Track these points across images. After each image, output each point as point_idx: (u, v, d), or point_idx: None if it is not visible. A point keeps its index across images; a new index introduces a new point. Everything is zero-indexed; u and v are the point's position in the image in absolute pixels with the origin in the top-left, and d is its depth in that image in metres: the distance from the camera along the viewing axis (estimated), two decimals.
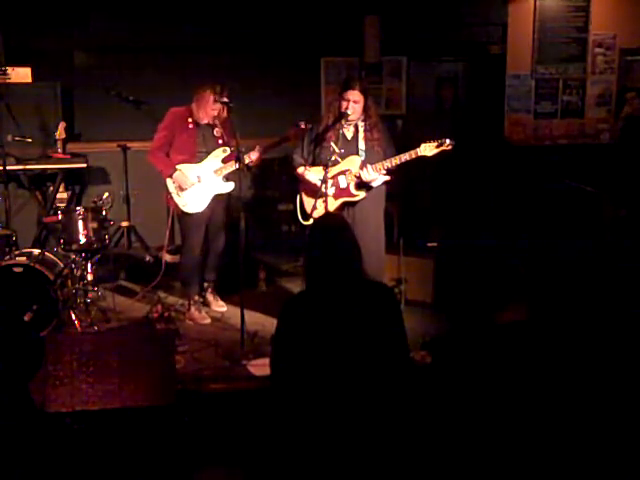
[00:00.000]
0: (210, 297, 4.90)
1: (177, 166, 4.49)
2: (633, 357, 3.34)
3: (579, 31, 6.86)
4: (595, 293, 4.52)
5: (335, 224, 2.62)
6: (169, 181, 4.50)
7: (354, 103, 4.14)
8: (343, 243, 2.49)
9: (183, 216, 4.60)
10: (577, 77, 6.96)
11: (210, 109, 4.46)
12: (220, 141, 4.57)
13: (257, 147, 4.52)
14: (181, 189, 4.48)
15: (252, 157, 4.48)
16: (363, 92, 4.18)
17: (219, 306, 4.87)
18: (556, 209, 5.64)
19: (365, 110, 4.23)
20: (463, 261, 5.04)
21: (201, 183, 4.51)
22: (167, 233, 5.06)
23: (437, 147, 4.09)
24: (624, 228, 5.24)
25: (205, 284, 4.90)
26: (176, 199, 4.52)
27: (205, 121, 4.51)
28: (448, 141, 4.08)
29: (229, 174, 4.57)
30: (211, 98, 4.42)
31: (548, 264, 5.03)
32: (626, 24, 6.84)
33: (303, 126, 4.41)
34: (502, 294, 4.80)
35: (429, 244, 5.19)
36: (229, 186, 4.61)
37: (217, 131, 4.57)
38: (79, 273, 4.54)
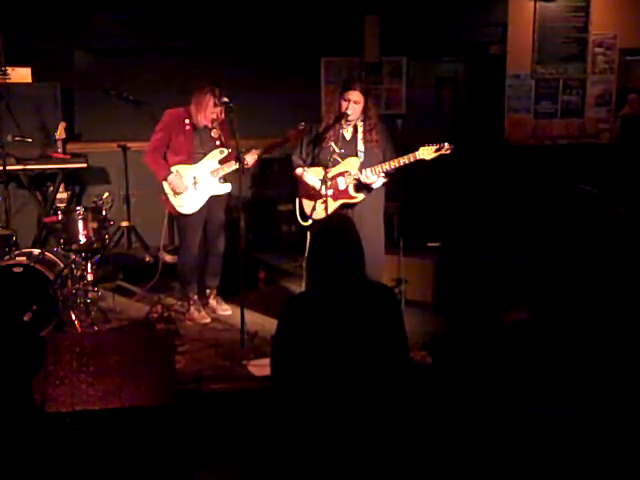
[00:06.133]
0: (213, 303, 4.87)
1: (174, 167, 4.48)
2: (634, 356, 3.34)
3: (579, 31, 6.87)
4: (595, 293, 4.52)
5: (339, 225, 2.62)
6: (164, 183, 4.50)
7: (354, 103, 4.14)
8: (346, 244, 2.49)
9: (180, 217, 4.60)
10: (577, 77, 6.96)
11: (210, 112, 4.43)
12: (217, 142, 4.56)
13: (253, 150, 4.49)
14: (175, 192, 4.48)
15: (248, 160, 4.41)
16: (363, 93, 4.17)
17: (223, 310, 4.85)
18: (556, 209, 5.65)
19: (365, 111, 4.22)
20: (463, 261, 5.04)
21: (197, 184, 4.51)
22: (164, 234, 5.06)
23: (436, 151, 4.09)
24: (624, 228, 5.24)
25: (207, 290, 4.88)
26: (172, 200, 4.51)
27: (206, 123, 4.50)
28: (447, 145, 4.07)
29: (226, 175, 4.56)
30: (211, 101, 4.39)
31: (548, 264, 5.03)
32: (626, 24, 6.86)
33: (302, 127, 4.40)
34: (502, 294, 4.80)
35: (429, 244, 5.19)
36: (226, 187, 4.60)
37: (214, 132, 4.56)
38: (79, 273, 4.54)
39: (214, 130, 4.55)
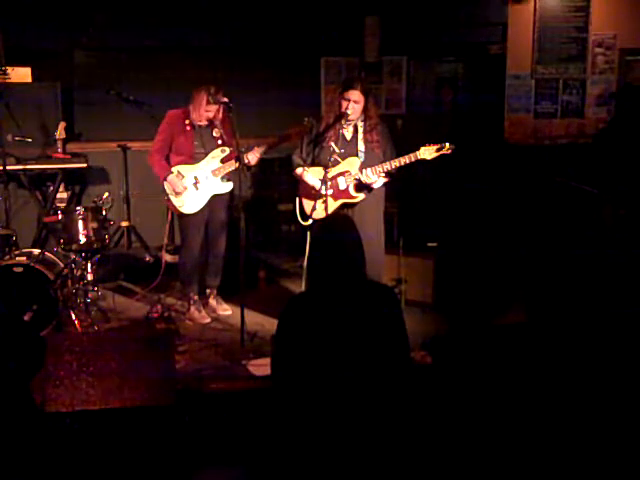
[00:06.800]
0: (213, 302, 4.86)
1: (175, 167, 4.50)
2: (633, 358, 3.33)
3: (579, 31, 6.86)
4: (595, 293, 4.52)
5: (339, 225, 2.62)
6: (165, 183, 4.51)
7: (354, 103, 4.13)
8: (347, 244, 2.49)
9: (181, 216, 4.61)
10: (577, 77, 6.96)
11: (204, 110, 4.45)
12: (219, 141, 4.57)
13: (256, 148, 4.50)
14: (175, 192, 4.49)
15: (250, 158, 4.43)
16: (364, 92, 4.17)
17: (223, 310, 4.85)
18: (556, 209, 5.65)
19: (365, 111, 4.22)
20: (463, 261, 5.04)
21: (198, 184, 4.51)
22: (166, 231, 5.07)
23: (437, 151, 4.09)
24: (624, 228, 5.24)
25: (207, 290, 4.88)
26: (173, 200, 4.53)
27: (200, 122, 4.51)
28: (448, 145, 4.08)
29: (228, 174, 4.56)
30: (204, 99, 4.41)
31: (548, 264, 5.03)
32: (626, 24, 6.85)
33: (306, 121, 4.39)
34: (502, 295, 4.80)
35: (429, 244, 5.19)
36: (228, 186, 4.61)
37: (216, 131, 4.57)
38: (79, 273, 4.54)
39: (216, 129, 4.56)
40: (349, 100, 4.12)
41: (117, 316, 4.74)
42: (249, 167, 4.49)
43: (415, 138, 4.36)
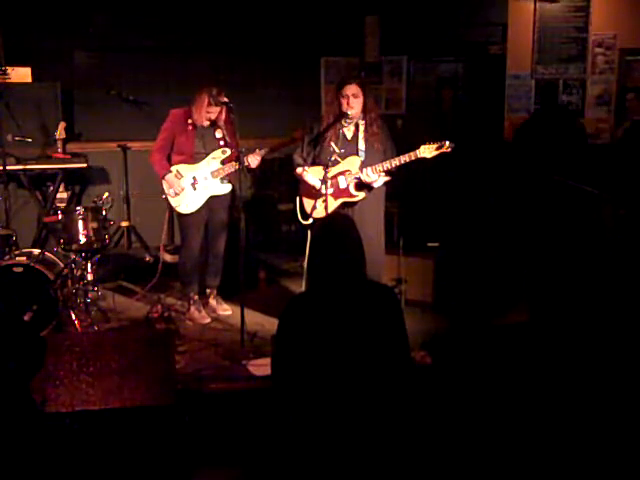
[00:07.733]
0: (213, 302, 4.86)
1: (174, 167, 4.50)
2: (634, 358, 3.34)
3: (579, 31, 6.86)
4: (595, 293, 4.52)
5: (340, 224, 2.62)
6: (164, 182, 4.52)
7: (353, 97, 4.11)
8: (347, 244, 2.49)
9: (182, 216, 4.61)
10: (577, 77, 6.96)
11: (205, 111, 4.44)
12: (222, 142, 4.56)
13: (257, 150, 4.49)
14: (173, 191, 4.50)
15: (250, 161, 4.40)
16: (361, 85, 4.15)
17: (224, 310, 4.85)
18: (556, 209, 5.64)
19: (365, 108, 4.20)
20: (463, 261, 5.04)
21: (197, 184, 4.52)
22: (165, 231, 5.07)
23: (437, 149, 4.08)
24: (624, 228, 5.23)
25: (207, 290, 4.87)
26: (170, 200, 4.54)
27: (201, 123, 4.50)
28: (448, 143, 4.07)
29: (229, 175, 4.56)
30: (206, 100, 4.40)
31: (548, 265, 5.03)
32: (626, 24, 6.84)
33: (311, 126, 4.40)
34: (503, 295, 4.81)
35: (429, 244, 5.19)
36: (226, 188, 4.60)
37: (219, 132, 4.56)
38: (79, 273, 4.54)
39: (219, 130, 4.56)
40: (347, 96, 4.10)
41: (117, 316, 4.73)
42: (250, 169, 4.48)
43: (415, 138, 4.35)
